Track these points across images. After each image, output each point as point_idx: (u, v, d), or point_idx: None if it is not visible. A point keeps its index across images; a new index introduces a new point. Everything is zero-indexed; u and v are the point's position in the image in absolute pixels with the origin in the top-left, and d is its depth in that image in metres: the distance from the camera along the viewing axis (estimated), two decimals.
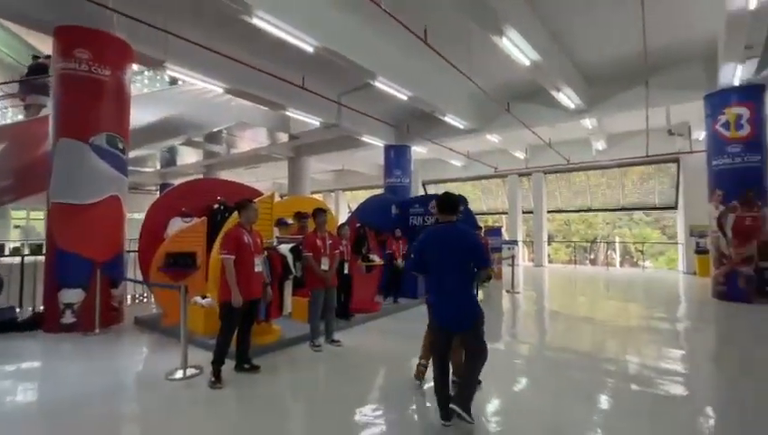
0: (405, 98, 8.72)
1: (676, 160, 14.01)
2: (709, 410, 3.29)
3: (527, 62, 7.18)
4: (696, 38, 7.76)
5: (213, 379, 3.56)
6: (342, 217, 17.76)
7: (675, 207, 15.19)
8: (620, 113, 10.70)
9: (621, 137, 14.22)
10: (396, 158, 13.10)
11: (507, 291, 9.32)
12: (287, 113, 9.65)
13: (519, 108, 10.39)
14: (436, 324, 2.95)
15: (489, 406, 3.26)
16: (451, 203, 2.99)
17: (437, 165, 18.79)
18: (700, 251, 12.05)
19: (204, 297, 4.84)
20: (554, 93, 8.91)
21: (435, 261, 2.89)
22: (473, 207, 20.76)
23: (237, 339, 3.81)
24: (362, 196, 19.94)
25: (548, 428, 2.92)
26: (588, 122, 11.75)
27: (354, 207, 13.46)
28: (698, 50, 8.12)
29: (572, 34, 7.86)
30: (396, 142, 12.91)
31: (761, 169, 7.90)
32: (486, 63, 8.45)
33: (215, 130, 11.90)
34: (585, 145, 14.88)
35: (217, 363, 3.61)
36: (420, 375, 3.55)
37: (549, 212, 18.59)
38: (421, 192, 19.61)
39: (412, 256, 3.03)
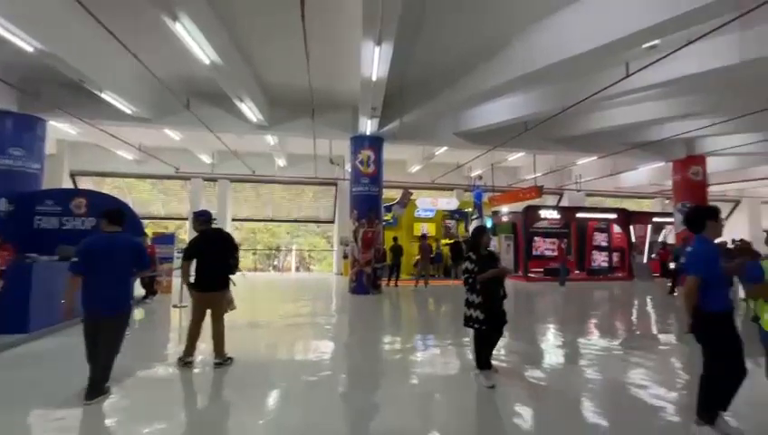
0: (30, 49, 6.20)
1: (335, 184, 17.62)
2: (342, 380, 4.00)
3: (206, 61, 6.81)
4: (349, 90, 9.91)
5: None
6: None
7: (333, 221, 18.99)
8: (296, 137, 12.23)
9: (299, 158, 16.35)
10: (15, 131, 9.13)
11: (175, 306, 8.36)
12: None
13: (202, 108, 9.79)
14: (89, 308, 3.36)
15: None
16: (118, 217, 3.60)
17: (99, 153, 14.90)
18: (346, 256, 15.53)
19: None
20: (238, 103, 8.97)
21: (97, 263, 3.36)
22: (149, 209, 17.83)
23: None
24: None
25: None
26: (270, 139, 12.70)
27: None
28: (350, 100, 10.42)
29: (258, 54, 8.20)
30: (18, 109, 9.05)
31: (378, 198, 11.09)
32: (162, 46, 7.39)
33: None
34: (269, 160, 16.08)
35: None
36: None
37: (236, 220, 18.68)
38: (67, 184, 14.89)
39: (75, 259, 3.36)
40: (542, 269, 15.11)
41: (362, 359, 5.10)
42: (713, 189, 15.55)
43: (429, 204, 16.34)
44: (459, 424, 3.25)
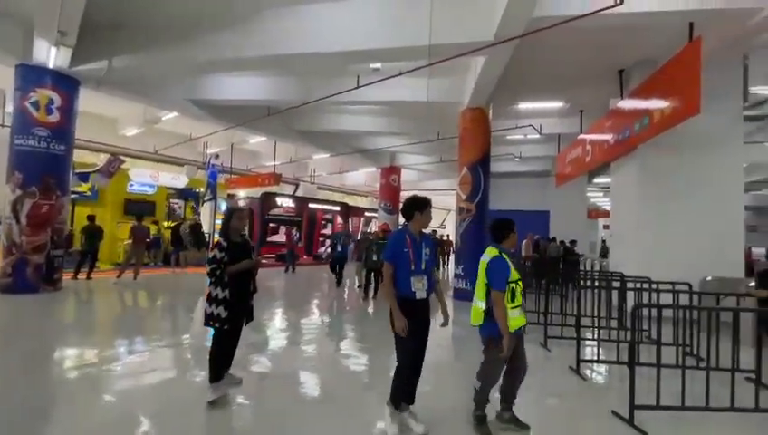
0: None
1: None
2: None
3: None
4: None
5: None
6: None
7: None
8: None
9: None
10: None
11: None
12: None
13: None
14: None
15: None
16: None
17: None
18: None
19: None
20: None
21: None
22: None
23: None
24: None
25: None
26: None
27: None
28: (19, 8, 6.95)
29: None
30: None
31: (66, 159, 8.05)
32: None
33: None
34: None
35: None
36: None
37: None
38: None
39: None
40: (274, 255, 15.49)
41: (14, 388, 3.41)
42: (403, 194, 20.61)
43: (149, 178, 13.53)
44: None
